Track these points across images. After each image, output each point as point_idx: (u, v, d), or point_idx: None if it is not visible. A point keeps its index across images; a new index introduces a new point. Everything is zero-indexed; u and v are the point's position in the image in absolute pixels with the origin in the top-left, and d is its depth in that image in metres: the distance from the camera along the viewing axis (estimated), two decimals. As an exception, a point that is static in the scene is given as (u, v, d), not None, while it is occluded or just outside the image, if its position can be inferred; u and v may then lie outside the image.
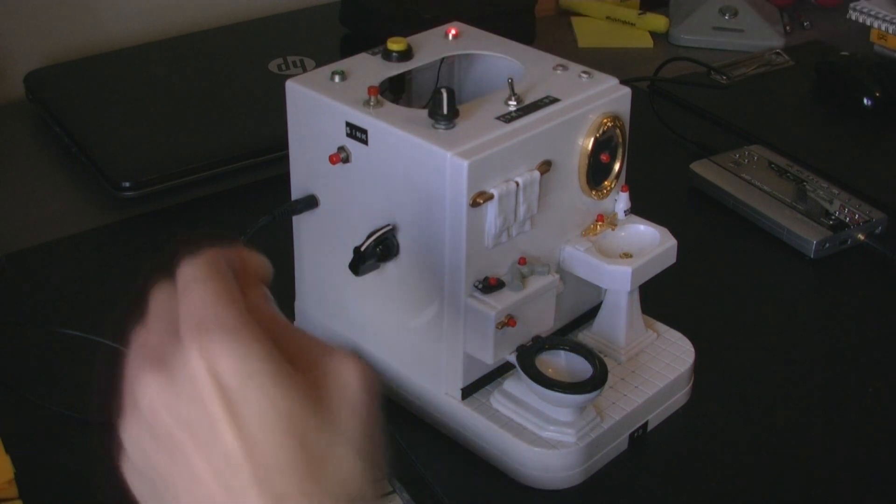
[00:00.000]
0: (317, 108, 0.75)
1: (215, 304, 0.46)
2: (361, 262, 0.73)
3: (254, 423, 0.44)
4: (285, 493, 0.43)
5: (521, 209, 0.72)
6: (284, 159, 0.81)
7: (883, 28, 1.33)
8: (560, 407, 0.73)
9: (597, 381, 0.72)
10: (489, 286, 0.72)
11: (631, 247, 0.78)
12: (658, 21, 1.44)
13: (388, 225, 0.73)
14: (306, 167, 0.79)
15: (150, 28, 1.29)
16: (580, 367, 0.73)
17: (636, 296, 0.80)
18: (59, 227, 0.99)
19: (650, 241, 0.79)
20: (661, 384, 0.78)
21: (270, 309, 0.49)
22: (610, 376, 0.73)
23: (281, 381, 0.45)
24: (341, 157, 0.75)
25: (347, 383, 0.48)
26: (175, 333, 0.45)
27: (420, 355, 0.77)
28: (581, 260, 0.77)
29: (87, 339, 0.80)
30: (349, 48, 1.11)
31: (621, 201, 0.79)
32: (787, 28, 1.45)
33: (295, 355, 0.47)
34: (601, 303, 0.81)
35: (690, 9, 1.44)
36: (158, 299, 0.49)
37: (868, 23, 1.34)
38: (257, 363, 0.44)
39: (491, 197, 0.69)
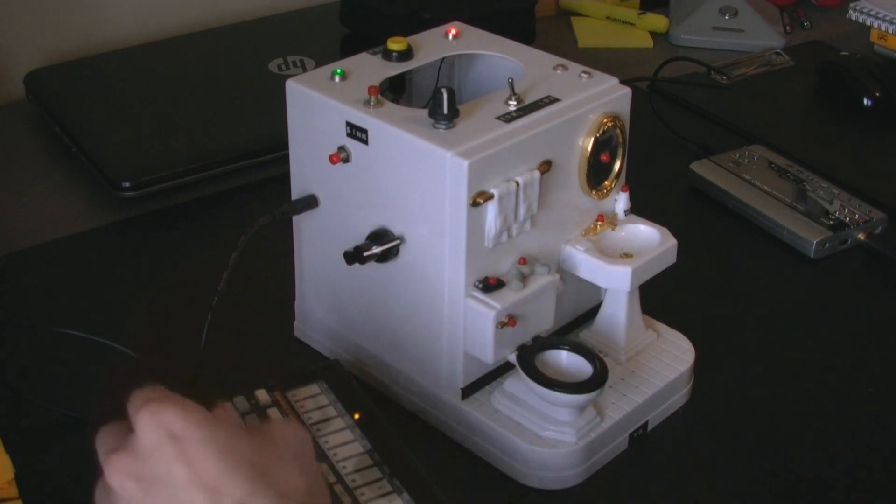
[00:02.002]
0: (317, 107, 0.76)
1: (159, 393, 0.54)
2: (360, 262, 0.73)
3: (198, 453, 0.51)
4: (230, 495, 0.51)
5: (522, 209, 0.72)
6: (284, 159, 0.81)
7: (883, 28, 1.33)
8: (560, 407, 0.73)
9: (597, 380, 0.72)
10: (489, 286, 0.72)
11: (631, 247, 0.78)
12: (658, 21, 1.44)
13: (397, 240, 0.74)
14: (306, 167, 0.79)
15: (150, 28, 1.29)
16: (580, 367, 0.73)
17: (636, 296, 0.80)
18: (59, 227, 0.99)
19: (650, 241, 0.79)
20: (661, 384, 0.78)
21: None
22: (610, 376, 0.73)
23: (216, 423, 0.53)
24: (341, 156, 0.75)
25: (285, 430, 0.57)
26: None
27: (420, 355, 0.77)
28: (581, 260, 0.77)
29: (87, 339, 0.80)
30: (349, 48, 1.11)
31: (621, 201, 0.79)
32: (787, 28, 1.45)
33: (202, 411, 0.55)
34: (601, 303, 0.81)
35: (690, 9, 1.44)
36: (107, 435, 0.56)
37: (868, 23, 1.34)
38: (196, 413, 0.53)
39: (491, 197, 0.70)
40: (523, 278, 0.73)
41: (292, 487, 0.53)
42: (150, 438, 0.52)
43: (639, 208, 0.80)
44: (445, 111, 0.70)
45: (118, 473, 0.52)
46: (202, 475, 0.51)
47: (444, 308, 0.73)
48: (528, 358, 0.73)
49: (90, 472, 0.72)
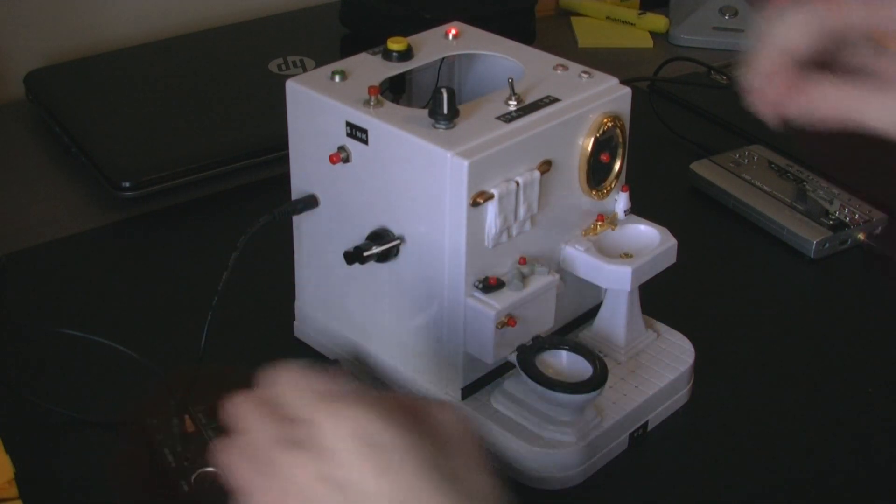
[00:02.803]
0: (317, 107, 0.75)
1: (319, 386, 0.51)
2: (360, 262, 0.73)
3: (393, 464, 0.48)
4: None
5: (522, 209, 0.72)
6: (284, 159, 0.81)
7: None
8: (560, 407, 0.73)
9: (597, 381, 0.72)
10: (489, 286, 0.72)
11: (631, 247, 0.78)
12: (658, 21, 1.44)
13: (397, 240, 0.74)
14: (306, 167, 0.79)
15: (150, 28, 1.29)
16: (580, 367, 0.73)
17: (636, 296, 0.80)
18: (59, 227, 0.99)
19: (650, 240, 0.79)
20: (661, 384, 0.78)
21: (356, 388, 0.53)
22: (610, 376, 0.73)
23: (403, 427, 0.50)
24: (341, 156, 0.75)
25: (453, 422, 0.52)
26: (285, 422, 0.50)
27: (420, 355, 0.77)
28: (581, 260, 0.77)
29: (87, 339, 0.80)
30: (349, 48, 1.11)
31: (621, 201, 0.79)
32: (788, 28, 1.45)
33: (399, 410, 0.51)
34: (601, 303, 0.81)
35: (690, 9, 1.44)
36: (244, 407, 0.52)
37: (868, 23, 1.34)
38: (379, 420, 0.49)
39: (491, 197, 0.69)
40: (523, 278, 0.73)
41: (481, 490, 0.50)
42: (341, 441, 0.49)
43: (639, 208, 0.80)
44: (445, 111, 0.70)
45: (305, 473, 0.48)
46: (394, 486, 0.48)
47: (444, 308, 0.73)
48: (528, 358, 0.73)
49: (90, 472, 0.72)
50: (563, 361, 0.74)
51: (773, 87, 0.57)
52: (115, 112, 1.12)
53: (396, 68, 0.79)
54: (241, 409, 0.52)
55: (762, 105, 0.57)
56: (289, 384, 0.52)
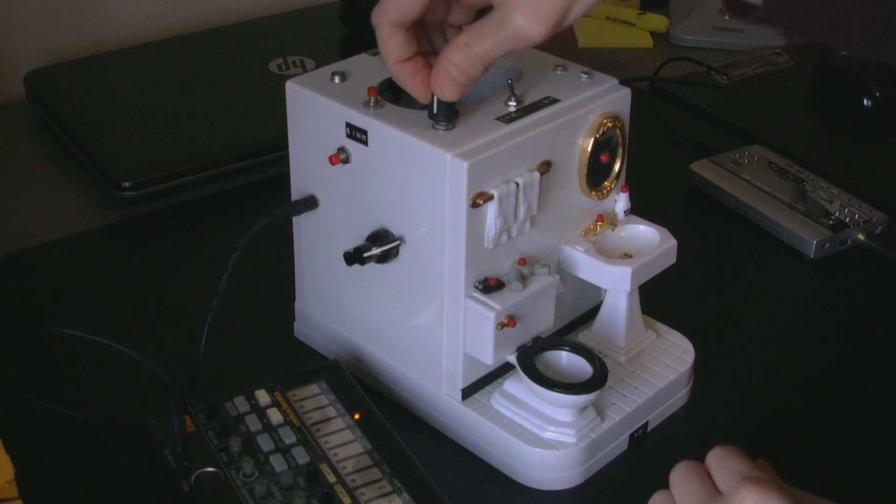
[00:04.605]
0: (317, 108, 0.76)
1: (750, 469, 0.58)
2: (360, 262, 0.73)
3: None
4: None
5: (521, 210, 0.72)
6: (284, 159, 0.81)
7: (883, 28, 1.33)
8: (560, 407, 0.73)
9: (597, 381, 0.72)
10: (489, 287, 0.72)
11: (631, 247, 0.78)
12: (658, 21, 1.44)
13: (397, 241, 0.74)
14: (306, 167, 0.79)
15: (150, 28, 1.29)
16: (580, 368, 0.73)
17: (636, 296, 0.80)
18: (59, 227, 0.99)
19: (650, 241, 0.79)
20: (661, 384, 0.79)
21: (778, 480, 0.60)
22: (610, 376, 0.74)
23: None
24: (341, 157, 0.75)
25: None
26: (713, 490, 0.59)
27: (420, 355, 0.77)
28: (581, 260, 0.77)
29: (87, 339, 0.80)
30: (349, 48, 1.11)
31: (621, 201, 0.80)
32: (788, 28, 1.45)
33: None
34: (601, 303, 0.81)
35: (690, 9, 1.44)
36: (686, 472, 0.61)
37: (868, 23, 1.34)
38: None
39: (491, 197, 0.70)
40: (523, 279, 0.73)
41: None
42: None
43: (639, 208, 0.80)
44: (445, 112, 0.70)
45: None
46: None
47: (444, 309, 0.73)
48: (528, 359, 0.73)
49: (90, 472, 0.72)
50: (563, 362, 0.74)
51: None
52: (115, 112, 1.12)
53: (396, 69, 0.79)
54: (683, 469, 0.61)
55: None
56: (722, 462, 0.60)
